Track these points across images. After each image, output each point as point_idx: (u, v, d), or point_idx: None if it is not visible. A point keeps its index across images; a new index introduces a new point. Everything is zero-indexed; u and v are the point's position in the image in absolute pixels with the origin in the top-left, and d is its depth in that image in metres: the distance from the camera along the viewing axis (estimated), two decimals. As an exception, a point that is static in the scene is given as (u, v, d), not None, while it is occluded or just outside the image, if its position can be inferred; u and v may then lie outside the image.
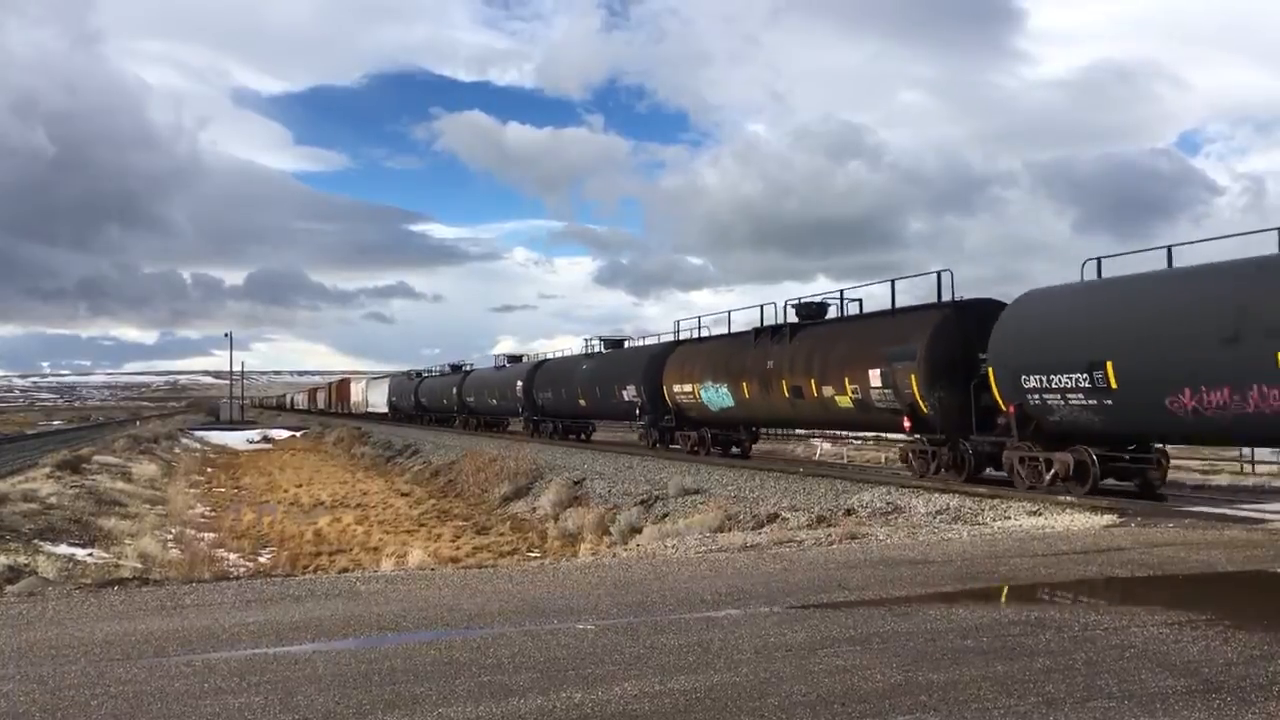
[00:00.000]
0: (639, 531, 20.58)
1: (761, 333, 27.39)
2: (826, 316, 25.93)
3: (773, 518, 18.33)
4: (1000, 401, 18.77)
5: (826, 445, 38.27)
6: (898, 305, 22.73)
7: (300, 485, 40.45)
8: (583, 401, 40.65)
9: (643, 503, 23.80)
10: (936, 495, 18.03)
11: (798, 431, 34.89)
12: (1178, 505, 16.54)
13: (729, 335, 30.75)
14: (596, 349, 42.56)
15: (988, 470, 20.33)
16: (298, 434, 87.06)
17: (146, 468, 40.56)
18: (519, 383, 48.77)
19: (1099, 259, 17.73)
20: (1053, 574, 9.96)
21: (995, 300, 20.40)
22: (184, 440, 73.25)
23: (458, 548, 22.77)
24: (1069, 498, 16.66)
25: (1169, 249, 16.56)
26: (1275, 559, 10.68)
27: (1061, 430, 17.70)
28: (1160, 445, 17.81)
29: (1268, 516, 14.47)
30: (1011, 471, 18.94)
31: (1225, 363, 14.33)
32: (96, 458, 39.52)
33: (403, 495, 36.33)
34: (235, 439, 78.69)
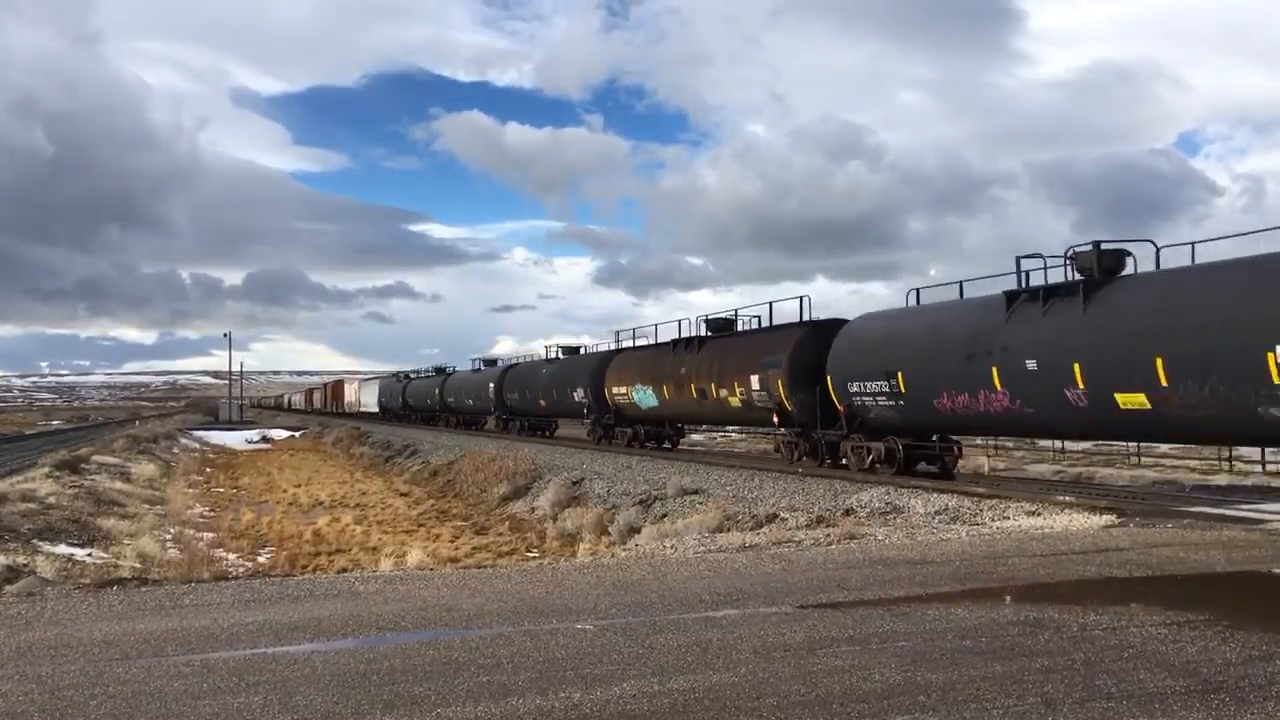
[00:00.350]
0: (638, 531, 20.57)
1: (678, 344, 32.06)
2: (732, 331, 30.28)
3: (771, 518, 18.33)
4: (836, 402, 23.51)
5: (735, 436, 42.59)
6: (777, 324, 27.74)
7: (299, 485, 40.43)
8: (543, 402, 45.94)
9: (641, 503, 23.79)
10: (935, 495, 18.04)
11: (703, 426, 40.23)
12: (1176, 505, 16.55)
13: (655, 345, 35.02)
14: (556, 356, 47.06)
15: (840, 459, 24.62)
16: (296, 434, 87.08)
17: (145, 468, 40.55)
18: (491, 385, 53.76)
19: (918, 289, 22.81)
20: (1051, 574, 9.97)
21: (841, 320, 25.09)
22: (183, 440, 73.25)
23: (456, 548, 22.76)
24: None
25: (961, 284, 21.49)
26: (1273, 559, 10.68)
27: (876, 425, 22.61)
28: (956, 437, 22.63)
29: (1266, 517, 14.47)
30: (846, 457, 23.71)
31: (966, 374, 19.20)
32: (95, 458, 39.51)
33: (402, 495, 36.32)
34: (234, 439, 78.67)
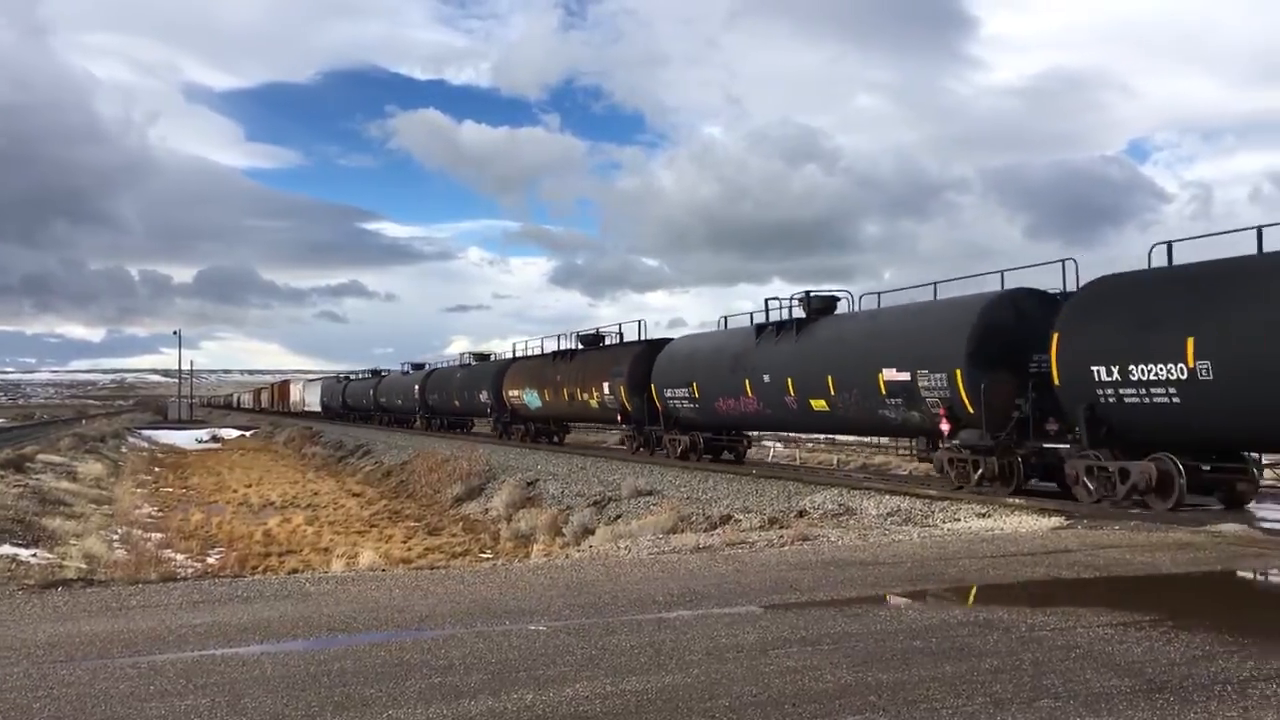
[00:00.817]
0: (592, 533, 20.56)
1: (558, 355, 38.90)
2: (601, 345, 36.59)
3: (725, 519, 18.38)
4: (659, 404, 30.46)
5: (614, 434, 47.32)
6: (622, 341, 35.39)
7: (250, 485, 39.95)
8: (457, 402, 52.83)
9: (596, 504, 23.78)
10: (887, 497, 18.20)
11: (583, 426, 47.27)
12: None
13: (540, 355, 42.31)
14: (469, 362, 54.41)
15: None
16: (247, 433, 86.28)
17: (92, 467, 39.84)
18: (416, 387, 60.42)
19: (725, 317, 29.45)
20: (1001, 575, 10.09)
21: (667, 339, 32.03)
22: (131, 439, 72.13)
23: (409, 549, 22.60)
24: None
25: (751, 314, 27.49)
26: (1217, 561, 10.88)
27: (684, 422, 29.75)
28: (750, 432, 30.28)
29: (1210, 520, 14.71)
30: (665, 447, 30.79)
31: (732, 384, 26.32)
32: (41, 456, 38.79)
33: (354, 496, 36.02)
34: (184, 438, 77.60)
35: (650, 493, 23.36)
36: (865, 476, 25.61)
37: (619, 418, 33.25)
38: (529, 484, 28.62)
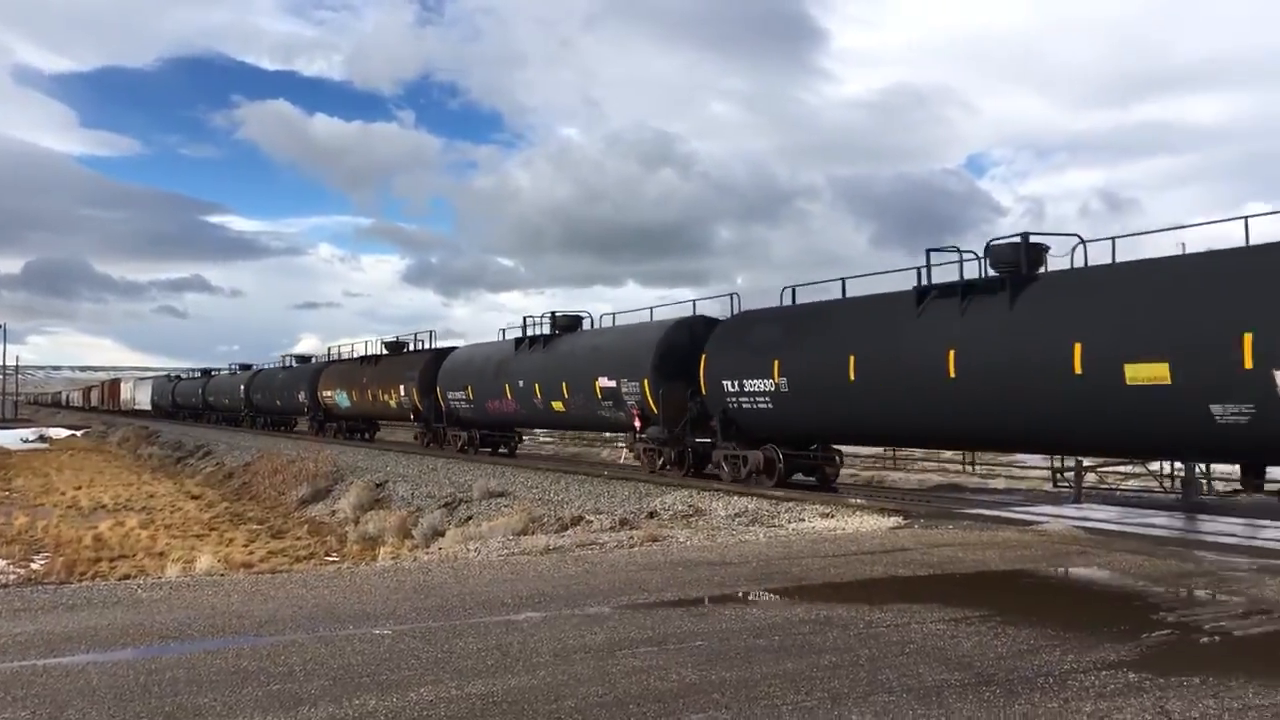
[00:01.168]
0: (442, 535, 20.30)
1: (364, 359, 43.75)
2: (402, 352, 40.92)
3: (577, 520, 18.40)
4: (443, 404, 34.77)
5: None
6: (414, 349, 39.97)
7: (80, 487, 38.10)
8: (278, 401, 56.38)
9: (446, 505, 23.52)
10: (736, 498, 18.51)
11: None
12: (959, 508, 17.50)
13: (351, 359, 46.16)
14: (291, 364, 58.25)
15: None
16: (78, 433, 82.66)
17: (-97, 468, 37.37)
18: (242, 386, 63.35)
19: (503, 329, 33.80)
20: (841, 574, 10.38)
21: (453, 348, 36.72)
22: (-52, 438, 67.88)
23: (251, 553, 21.92)
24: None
25: (504, 330, 32.98)
26: (1043, 558, 11.42)
27: (464, 420, 34.23)
28: (520, 429, 35.37)
29: (1038, 519, 15.45)
30: (448, 443, 35.39)
31: (496, 388, 30.70)
32: None
33: (193, 498, 34.75)
34: (7, 438, 73.46)
35: (502, 494, 23.22)
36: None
37: (412, 416, 37.88)
38: (378, 485, 28.12)
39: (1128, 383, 13.49)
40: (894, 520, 15.10)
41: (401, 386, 37.50)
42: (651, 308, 26.44)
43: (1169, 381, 13.03)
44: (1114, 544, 12.33)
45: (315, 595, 9.44)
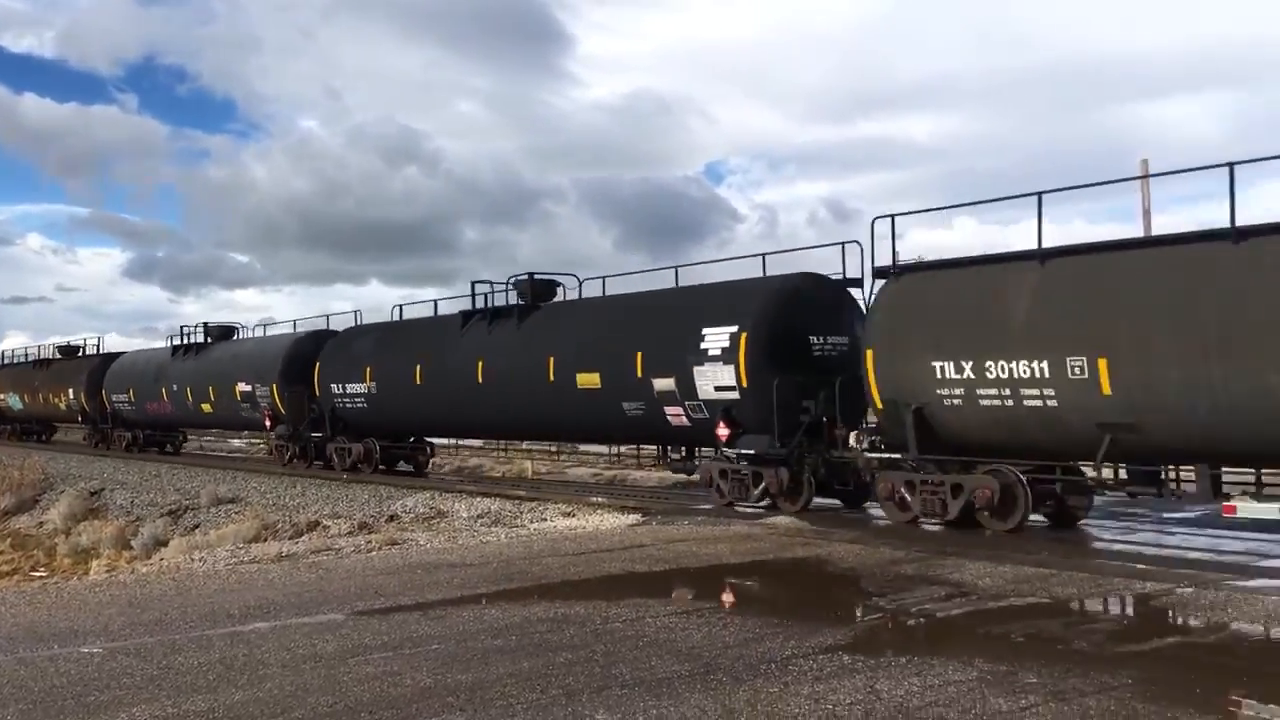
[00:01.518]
0: (165, 545, 19.20)
1: (37, 363, 44.32)
2: (75, 356, 42.50)
3: (313, 526, 17.83)
4: (108, 406, 37.06)
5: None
6: (86, 353, 41.60)
7: None
8: None
9: (171, 513, 22.30)
10: (479, 499, 18.43)
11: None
12: (695, 505, 18.05)
13: (24, 363, 46.24)
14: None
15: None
16: None
17: None
18: None
19: (171, 336, 35.04)
20: (581, 572, 10.51)
21: (120, 353, 39.02)
22: None
23: (-57, 570, 20.00)
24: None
25: (171, 338, 34.61)
26: (770, 550, 11.95)
27: (127, 421, 36.81)
28: (180, 429, 37.98)
29: (764, 514, 16.13)
30: (113, 442, 37.44)
31: (154, 391, 33.22)
32: None
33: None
34: None
35: (233, 500, 22.22)
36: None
37: (80, 418, 40.10)
38: (93, 494, 26.30)
39: (579, 387, 17.86)
40: (633, 518, 15.41)
41: (71, 389, 39.52)
42: (295, 320, 30.76)
43: (599, 386, 17.53)
44: (834, 535, 13.02)
45: (15, 613, 8.72)
